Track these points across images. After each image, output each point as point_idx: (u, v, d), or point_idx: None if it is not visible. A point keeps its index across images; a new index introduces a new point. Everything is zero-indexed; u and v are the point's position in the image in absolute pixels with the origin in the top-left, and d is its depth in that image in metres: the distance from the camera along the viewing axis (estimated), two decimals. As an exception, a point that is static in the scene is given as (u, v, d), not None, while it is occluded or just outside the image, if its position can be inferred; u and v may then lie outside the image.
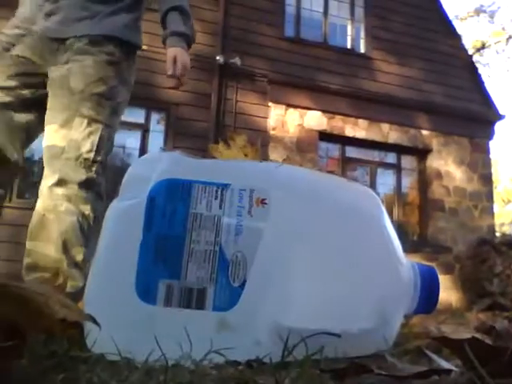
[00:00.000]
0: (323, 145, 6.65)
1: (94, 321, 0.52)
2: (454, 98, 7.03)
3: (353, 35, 7.29)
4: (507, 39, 17.32)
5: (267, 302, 0.65)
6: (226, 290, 0.64)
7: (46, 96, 1.57)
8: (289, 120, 6.34)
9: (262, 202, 0.68)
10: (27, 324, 0.46)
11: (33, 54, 1.58)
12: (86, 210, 1.51)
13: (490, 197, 7.01)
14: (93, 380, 0.46)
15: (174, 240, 0.65)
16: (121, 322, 0.63)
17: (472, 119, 6.95)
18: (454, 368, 0.56)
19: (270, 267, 0.66)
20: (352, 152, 6.83)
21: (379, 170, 6.94)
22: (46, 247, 1.47)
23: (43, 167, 1.56)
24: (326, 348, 0.54)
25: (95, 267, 0.66)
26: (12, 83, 1.54)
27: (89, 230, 1.52)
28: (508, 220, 18.63)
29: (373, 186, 6.57)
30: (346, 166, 6.79)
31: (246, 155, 1.54)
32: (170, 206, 0.66)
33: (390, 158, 7.02)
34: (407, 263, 0.73)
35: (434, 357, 0.64)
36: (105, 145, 1.58)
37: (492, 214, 7.04)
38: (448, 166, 6.86)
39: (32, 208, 1.55)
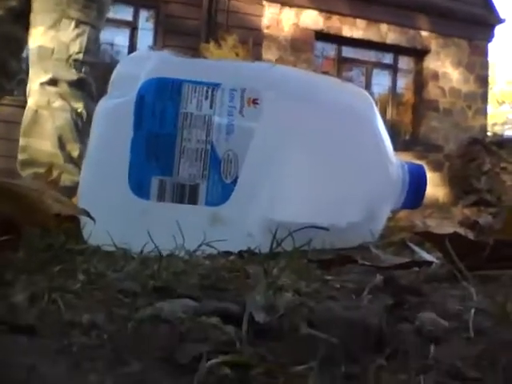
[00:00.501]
0: (319, 45, 6.43)
1: (88, 215, 0.53)
2: None
3: None
4: None
5: (258, 198, 0.67)
6: (219, 186, 0.65)
7: (30, 4, 1.55)
8: (284, 19, 6.06)
9: (254, 102, 0.67)
10: (22, 219, 0.48)
11: None
12: (79, 107, 1.53)
13: (484, 98, 6.95)
14: (89, 270, 0.48)
15: (164, 138, 0.65)
16: (115, 216, 0.65)
17: (472, 22, 6.69)
18: (434, 260, 0.58)
19: (261, 165, 0.67)
20: (348, 52, 6.63)
21: (375, 71, 6.79)
22: (41, 143, 1.50)
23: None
24: (313, 240, 0.57)
25: (87, 163, 0.67)
26: None
27: (83, 128, 1.53)
28: (501, 120, 18.63)
29: (368, 86, 6.45)
30: (341, 66, 6.62)
31: (237, 55, 1.51)
32: (159, 104, 0.66)
33: (387, 58, 6.84)
34: (397, 162, 0.74)
35: (417, 249, 0.67)
36: (92, 46, 1.58)
37: (485, 114, 7.02)
38: (445, 68, 6.71)
39: (22, 106, 1.56)
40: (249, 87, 0.67)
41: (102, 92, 0.73)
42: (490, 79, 7.78)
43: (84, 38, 1.55)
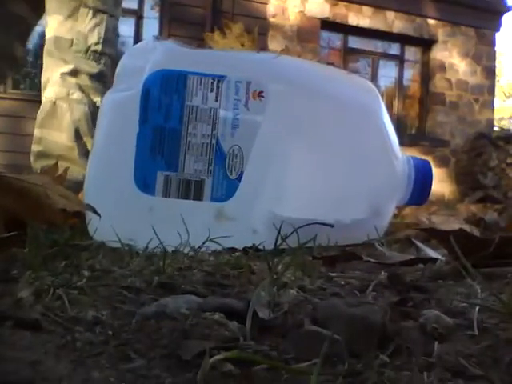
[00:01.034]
0: (325, 34, 6.38)
1: (94, 210, 0.53)
2: (463, -15, 6.64)
3: None
4: None
5: (263, 194, 0.66)
6: (224, 182, 0.65)
7: None
8: (289, 6, 6.03)
9: (259, 94, 0.67)
10: (27, 215, 0.48)
11: None
12: (98, 100, 1.50)
13: (491, 90, 6.89)
14: (94, 266, 0.48)
15: (170, 132, 0.65)
16: (121, 212, 0.65)
17: (480, 9, 6.62)
18: (439, 257, 0.58)
19: (266, 160, 0.67)
20: (354, 42, 6.58)
21: (381, 62, 6.74)
22: (57, 135, 1.48)
23: (38, 57, 1.55)
24: (318, 237, 0.57)
25: (93, 158, 0.67)
26: None
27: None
28: (507, 115, 18.49)
29: (374, 78, 6.41)
30: (347, 57, 6.58)
31: (242, 45, 1.49)
32: (165, 98, 0.65)
33: (394, 48, 6.79)
34: (402, 157, 0.74)
35: (422, 246, 0.67)
36: (111, 36, 1.56)
37: (492, 108, 6.96)
38: (452, 58, 6.66)
39: (28, 100, 1.55)
40: (254, 80, 0.67)
41: (109, 84, 0.73)
42: (497, 71, 7.72)
43: (102, 28, 1.52)
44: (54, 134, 1.48)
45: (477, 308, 0.36)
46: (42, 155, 1.48)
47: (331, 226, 0.61)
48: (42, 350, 0.28)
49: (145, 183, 0.65)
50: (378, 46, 6.77)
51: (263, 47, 5.44)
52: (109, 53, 1.55)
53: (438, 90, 6.69)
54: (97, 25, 1.51)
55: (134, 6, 5.75)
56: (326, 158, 0.69)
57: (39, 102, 1.56)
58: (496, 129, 7.10)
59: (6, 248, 0.47)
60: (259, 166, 0.66)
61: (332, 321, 0.32)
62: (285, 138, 0.68)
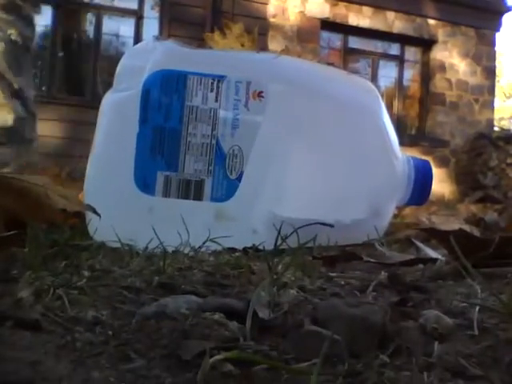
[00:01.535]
0: (325, 34, 6.38)
1: (94, 210, 0.53)
2: (463, -15, 6.63)
3: None
4: None
5: (263, 194, 0.66)
6: (224, 182, 0.65)
7: None
8: (290, 7, 6.03)
9: (259, 94, 0.67)
10: (27, 215, 0.48)
11: None
12: (12, 34, 1.40)
13: (491, 91, 6.89)
14: (94, 266, 0.48)
15: (170, 132, 0.65)
16: (121, 212, 0.65)
17: (480, 9, 6.62)
18: (439, 257, 0.58)
19: (266, 160, 0.67)
20: (354, 43, 6.58)
21: (381, 62, 6.74)
22: None
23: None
24: (318, 237, 0.57)
25: (93, 158, 0.67)
26: None
27: (20, 57, 1.40)
28: (507, 115, 18.48)
29: (374, 78, 6.41)
30: (347, 57, 6.58)
31: (242, 45, 1.48)
32: (165, 98, 0.65)
33: (394, 49, 6.79)
34: (402, 157, 0.74)
35: (422, 246, 0.67)
36: None
37: (492, 108, 6.96)
38: (452, 58, 6.66)
39: None
40: (254, 80, 0.67)
41: (108, 84, 0.72)
42: (497, 71, 7.72)
43: None
44: None
45: (477, 308, 0.36)
46: None
47: (331, 226, 0.61)
48: (41, 350, 0.28)
49: (145, 183, 0.65)
50: (377, 46, 6.77)
51: (263, 47, 5.44)
52: None
53: (437, 90, 6.69)
54: None
55: (134, 6, 5.75)
56: (325, 158, 0.69)
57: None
58: (496, 129, 7.10)
59: (6, 248, 0.47)
60: (259, 166, 0.66)
61: (332, 321, 0.32)
62: (285, 138, 0.68)
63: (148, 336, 0.31)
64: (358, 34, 6.56)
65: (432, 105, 6.66)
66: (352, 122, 0.72)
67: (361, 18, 6.37)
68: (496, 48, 6.99)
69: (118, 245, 0.59)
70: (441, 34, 6.68)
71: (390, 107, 6.28)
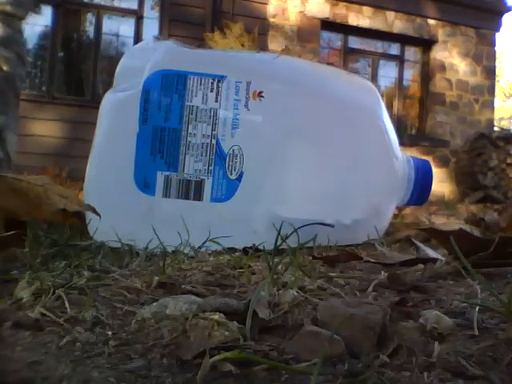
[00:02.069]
0: (325, 34, 6.38)
1: (94, 210, 0.53)
2: (463, -15, 6.63)
3: None
4: None
5: (263, 194, 0.66)
6: (224, 183, 0.65)
7: None
8: (290, 7, 6.02)
9: (259, 94, 0.67)
10: (27, 215, 0.48)
11: None
12: (3, 66, 1.36)
13: (491, 90, 6.89)
14: (94, 266, 0.48)
15: (170, 132, 0.65)
16: (121, 212, 0.65)
17: (480, 9, 6.62)
18: (439, 257, 0.58)
19: (266, 160, 0.67)
20: (355, 43, 6.58)
21: (381, 62, 6.74)
22: None
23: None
24: (318, 237, 0.57)
25: (93, 158, 0.67)
26: None
27: (6, 95, 1.37)
28: (507, 115, 18.48)
29: (374, 78, 6.41)
30: (347, 57, 6.58)
31: (242, 45, 1.47)
32: (165, 98, 0.65)
33: (394, 49, 6.79)
34: (403, 157, 0.74)
35: (422, 246, 0.67)
36: None
37: (492, 108, 6.96)
38: (452, 58, 6.66)
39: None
40: (254, 80, 0.67)
41: (108, 84, 0.72)
42: (497, 71, 7.72)
43: None
44: None
45: (477, 308, 0.36)
46: None
47: (331, 226, 0.61)
48: (41, 350, 0.28)
49: (145, 183, 0.65)
50: (378, 46, 6.77)
51: (263, 47, 5.44)
52: (21, 16, 1.41)
53: (437, 90, 6.69)
54: None
55: (134, 6, 5.75)
56: (325, 158, 0.69)
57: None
58: (496, 129, 7.09)
59: (6, 248, 0.47)
60: (259, 166, 0.66)
61: (332, 321, 0.32)
62: (285, 138, 0.68)
63: (148, 336, 0.31)
64: (358, 34, 6.56)
65: (432, 105, 6.66)
66: (352, 122, 0.72)
67: (361, 17, 6.37)
68: (496, 48, 6.99)
69: (118, 245, 0.59)
70: (441, 34, 6.69)
71: (389, 107, 6.27)
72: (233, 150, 0.66)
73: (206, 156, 0.65)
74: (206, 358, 0.26)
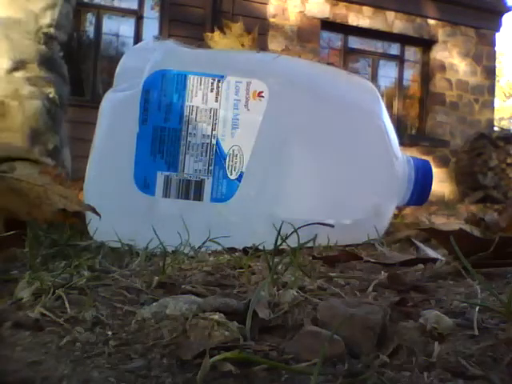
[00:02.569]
0: (325, 34, 6.39)
1: (94, 210, 0.53)
2: (463, -15, 6.63)
3: None
4: None
5: (263, 194, 0.66)
6: (224, 183, 0.65)
7: None
8: (290, 7, 6.03)
9: (259, 94, 0.67)
10: (28, 215, 0.48)
11: None
12: (51, 92, 1.40)
13: (491, 90, 6.89)
14: (94, 266, 0.48)
15: (170, 132, 0.65)
16: (121, 212, 0.65)
17: (480, 9, 6.63)
18: (439, 257, 0.58)
19: (266, 161, 0.67)
20: (354, 43, 6.58)
21: (381, 62, 6.74)
22: (11, 136, 1.34)
23: None
24: (318, 237, 0.57)
25: (93, 158, 0.67)
26: None
27: (56, 115, 1.41)
28: (507, 115, 18.48)
29: (374, 78, 6.41)
30: (347, 57, 6.58)
31: (242, 45, 1.47)
32: (164, 98, 0.65)
33: (394, 49, 6.79)
34: (403, 157, 0.74)
35: (422, 246, 0.67)
36: (64, 21, 1.44)
37: (492, 108, 6.96)
38: (452, 58, 6.66)
39: None
40: (254, 79, 0.67)
41: (108, 84, 0.72)
42: (497, 71, 7.72)
43: (56, 11, 1.39)
44: (7, 136, 1.34)
45: (477, 308, 0.36)
46: (1, 160, 1.34)
47: (331, 226, 0.60)
48: (41, 350, 0.28)
49: (145, 183, 0.65)
50: (378, 46, 6.77)
51: (263, 47, 5.44)
52: (62, 40, 1.44)
53: (437, 89, 6.69)
54: (50, 6, 1.39)
55: (134, 6, 5.75)
56: (325, 158, 0.69)
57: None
58: (496, 129, 7.09)
59: (6, 248, 0.47)
60: (259, 167, 0.66)
61: (332, 321, 0.32)
62: (285, 138, 0.68)
63: (148, 336, 0.31)
64: (358, 34, 6.57)
65: (432, 105, 6.66)
66: (352, 122, 0.72)
67: (361, 17, 6.37)
68: (496, 48, 6.99)
69: (118, 245, 0.59)
70: (441, 34, 6.69)
71: (390, 107, 6.27)
72: (233, 150, 0.66)
73: (206, 156, 0.65)
74: (205, 358, 0.26)
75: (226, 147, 0.65)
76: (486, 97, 6.83)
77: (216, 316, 0.32)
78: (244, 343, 0.30)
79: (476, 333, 0.32)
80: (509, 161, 5.70)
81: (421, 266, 0.54)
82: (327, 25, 6.24)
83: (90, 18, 5.46)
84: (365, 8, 6.33)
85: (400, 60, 6.82)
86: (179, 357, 0.28)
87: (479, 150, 5.84)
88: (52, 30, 1.41)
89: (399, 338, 0.31)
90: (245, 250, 0.61)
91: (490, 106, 6.90)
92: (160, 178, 0.65)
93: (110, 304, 0.37)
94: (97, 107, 0.68)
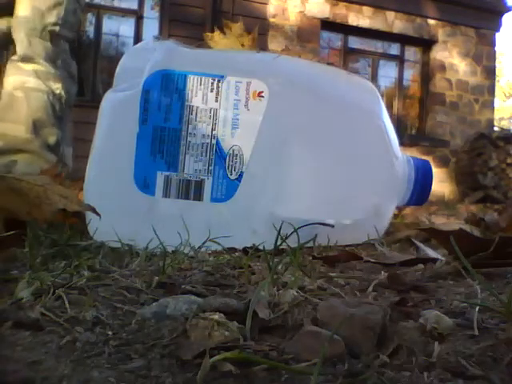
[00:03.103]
0: (325, 34, 6.39)
1: (94, 210, 0.53)
2: (463, -15, 6.63)
3: None
4: None
5: (263, 194, 0.66)
6: (224, 183, 0.65)
7: None
8: (290, 7, 6.03)
9: (259, 94, 0.67)
10: (27, 215, 0.48)
11: None
12: (57, 88, 1.42)
13: (491, 90, 6.89)
14: (94, 266, 0.48)
15: (170, 132, 0.65)
16: (121, 212, 0.65)
17: (480, 9, 6.63)
18: (439, 257, 0.58)
19: (266, 160, 0.67)
20: (354, 43, 6.59)
21: (381, 62, 6.74)
22: (15, 128, 1.39)
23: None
24: (318, 237, 0.57)
25: (92, 158, 0.67)
26: None
27: (61, 111, 1.43)
28: (507, 115, 18.48)
29: (374, 78, 6.42)
30: (347, 57, 6.58)
31: (242, 45, 1.47)
32: (164, 98, 0.65)
33: (394, 48, 6.79)
34: (403, 157, 0.74)
35: (422, 246, 0.67)
36: (71, 19, 1.46)
37: (492, 108, 6.96)
38: (452, 58, 6.66)
39: None
40: (254, 79, 0.67)
41: (108, 84, 0.72)
42: (497, 71, 7.72)
43: (62, 9, 1.42)
44: (12, 127, 1.39)
45: (477, 308, 0.36)
46: (3, 151, 1.40)
47: (331, 226, 0.61)
48: (42, 349, 0.28)
49: (145, 183, 0.65)
50: (378, 46, 6.77)
51: (263, 47, 5.44)
52: (68, 37, 1.46)
53: (437, 90, 6.69)
54: (57, 4, 1.42)
55: (134, 6, 5.75)
56: (325, 158, 0.69)
57: None
58: (496, 129, 7.09)
59: (6, 248, 0.47)
60: (259, 166, 0.66)
61: (332, 321, 0.32)
62: (285, 138, 0.68)
63: (148, 336, 0.31)
64: (358, 34, 6.57)
65: (432, 105, 6.66)
66: (352, 122, 0.72)
67: (361, 17, 6.37)
68: (496, 48, 6.99)
69: (118, 245, 0.59)
70: (441, 34, 6.69)
71: (390, 107, 6.27)
72: (233, 150, 0.66)
73: (206, 156, 0.65)
74: (205, 358, 0.26)
75: (225, 147, 0.65)
76: (486, 97, 6.83)
77: (216, 316, 0.32)
78: (244, 343, 0.30)
79: (476, 333, 0.32)
80: (509, 161, 5.70)
81: (421, 265, 0.54)
82: (327, 25, 6.25)
83: (90, 17, 5.46)
84: (365, 8, 6.33)
85: (400, 60, 6.82)
86: (179, 357, 0.28)
87: (479, 150, 5.84)
88: (58, 28, 1.43)
89: (399, 338, 0.31)
90: (245, 250, 0.61)
91: (490, 106, 6.90)
92: (160, 178, 0.65)
93: (110, 304, 0.37)
94: (97, 107, 0.68)
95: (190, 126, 0.65)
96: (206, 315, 0.32)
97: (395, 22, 6.48)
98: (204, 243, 0.60)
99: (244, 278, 0.47)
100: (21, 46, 1.40)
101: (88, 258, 0.51)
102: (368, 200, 0.71)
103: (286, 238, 0.51)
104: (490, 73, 6.95)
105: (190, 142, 0.65)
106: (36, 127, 1.39)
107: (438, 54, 6.69)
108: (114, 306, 0.37)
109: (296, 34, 6.08)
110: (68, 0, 1.45)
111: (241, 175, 0.65)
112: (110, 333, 0.31)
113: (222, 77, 0.66)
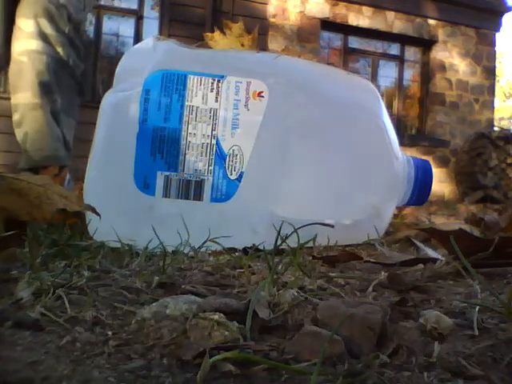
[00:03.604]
0: (325, 34, 6.39)
1: (94, 210, 0.53)
2: (463, -15, 6.63)
3: None
4: None
5: (263, 194, 0.66)
6: (224, 183, 0.65)
7: None
8: (290, 7, 6.03)
9: (259, 94, 0.67)
10: (28, 215, 0.48)
11: None
12: (60, 51, 1.40)
13: (491, 90, 6.89)
14: (95, 266, 0.48)
15: (170, 132, 0.65)
16: (121, 212, 0.65)
17: (480, 9, 6.63)
18: (439, 257, 0.58)
19: (266, 160, 0.67)
20: (354, 43, 6.59)
21: (381, 62, 6.74)
22: (25, 96, 1.38)
23: None
24: (318, 237, 0.57)
25: (93, 158, 0.67)
26: None
27: (63, 76, 1.42)
28: (507, 115, 18.48)
29: (374, 78, 6.42)
30: (347, 57, 6.58)
31: (242, 45, 1.47)
32: (165, 98, 0.65)
33: (394, 48, 6.79)
34: (403, 157, 0.74)
35: (422, 246, 0.67)
36: (75, 2, 1.46)
37: (492, 108, 6.96)
38: (452, 58, 6.66)
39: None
40: (254, 79, 0.67)
41: (108, 84, 0.72)
42: (497, 71, 7.73)
43: None
44: (22, 96, 1.38)
45: (477, 308, 0.36)
46: (19, 123, 1.39)
47: (331, 226, 0.61)
48: (42, 350, 0.28)
49: (145, 183, 0.65)
50: (377, 46, 6.77)
51: (263, 47, 5.44)
52: (71, 13, 1.44)
53: (437, 90, 6.69)
54: None
55: (134, 6, 5.75)
56: (325, 158, 0.69)
57: None
58: (496, 129, 7.09)
59: (6, 248, 0.47)
60: (259, 166, 0.66)
61: (332, 321, 0.32)
62: (285, 138, 0.68)
63: (148, 336, 0.31)
64: (358, 34, 6.57)
65: (432, 105, 6.67)
66: (352, 122, 0.72)
67: (361, 18, 6.37)
68: (496, 48, 6.99)
69: (118, 245, 0.59)
70: (441, 34, 6.69)
71: (389, 107, 6.27)
72: (233, 150, 0.66)
73: (206, 156, 0.65)
74: (205, 358, 0.26)
75: (225, 147, 0.65)
76: (486, 97, 6.84)
77: (216, 316, 0.32)
78: (244, 343, 0.30)
79: (476, 333, 0.32)
80: (509, 161, 5.70)
81: (421, 265, 0.54)
82: (327, 25, 6.25)
83: (90, 17, 5.46)
84: (365, 8, 6.33)
85: (400, 60, 6.82)
86: (179, 357, 0.28)
87: (479, 150, 5.84)
88: (62, 1, 1.41)
89: (399, 338, 0.31)
90: (245, 250, 0.61)
91: (490, 106, 6.90)
92: (160, 178, 0.65)
93: (110, 304, 0.37)
94: (97, 107, 0.68)
95: (189, 125, 0.65)
96: (206, 315, 0.32)
97: (395, 22, 6.48)
98: (204, 243, 0.60)
99: (244, 278, 0.47)
100: (31, 18, 1.38)
101: (88, 258, 0.51)
102: (368, 200, 0.71)
103: (286, 238, 0.51)
104: (490, 73, 6.95)
105: (189, 141, 0.65)
106: (44, 90, 1.38)
107: (438, 54, 6.69)
108: (113, 306, 0.37)
109: (296, 34, 6.08)
110: None
111: (241, 175, 0.65)
112: (109, 333, 0.31)
113: (222, 77, 0.66)
